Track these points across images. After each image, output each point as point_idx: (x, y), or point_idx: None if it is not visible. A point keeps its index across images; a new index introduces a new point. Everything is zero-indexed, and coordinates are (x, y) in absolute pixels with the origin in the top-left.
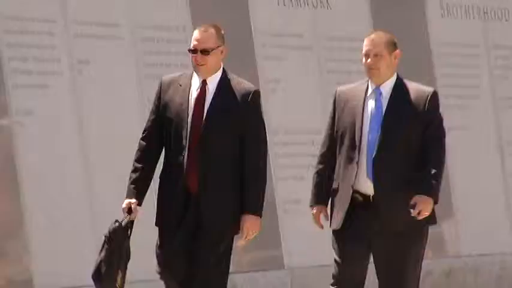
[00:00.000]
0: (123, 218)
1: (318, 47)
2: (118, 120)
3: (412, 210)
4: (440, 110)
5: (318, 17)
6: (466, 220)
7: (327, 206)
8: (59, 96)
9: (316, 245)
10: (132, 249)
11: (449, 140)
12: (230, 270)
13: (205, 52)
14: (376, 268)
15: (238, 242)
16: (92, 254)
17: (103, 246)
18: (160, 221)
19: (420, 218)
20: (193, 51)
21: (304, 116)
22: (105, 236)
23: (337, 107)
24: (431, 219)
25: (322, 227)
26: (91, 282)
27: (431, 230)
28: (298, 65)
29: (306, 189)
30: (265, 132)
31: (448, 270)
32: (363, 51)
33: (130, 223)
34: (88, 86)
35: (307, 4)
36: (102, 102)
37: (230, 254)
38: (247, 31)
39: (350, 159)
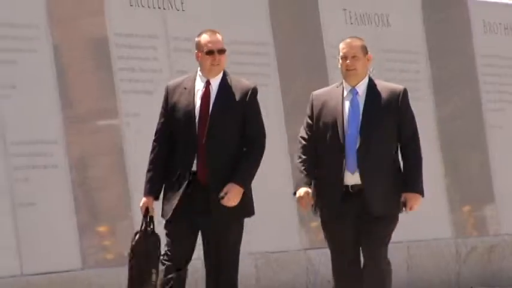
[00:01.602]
0: (141, 222)
1: (379, 58)
2: None
3: (404, 208)
4: (477, 111)
5: (379, 33)
6: (505, 203)
7: (310, 187)
8: (159, 101)
9: None
10: None
11: (491, 136)
12: (307, 246)
13: (221, 52)
14: (361, 244)
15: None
16: None
17: (130, 261)
18: (167, 211)
19: (411, 211)
20: (211, 52)
21: None
22: (129, 254)
23: (315, 109)
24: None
25: (306, 208)
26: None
27: (477, 212)
28: None
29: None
30: (263, 125)
31: (490, 247)
32: (341, 54)
33: (151, 218)
34: None
35: (371, 22)
36: None
37: (241, 236)
38: (319, 44)
39: (335, 155)
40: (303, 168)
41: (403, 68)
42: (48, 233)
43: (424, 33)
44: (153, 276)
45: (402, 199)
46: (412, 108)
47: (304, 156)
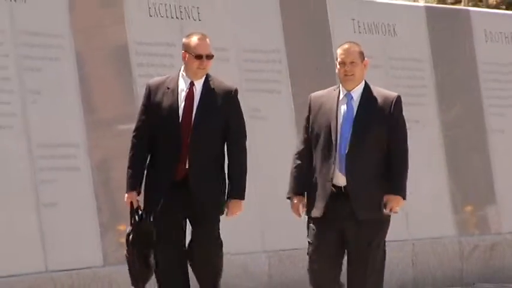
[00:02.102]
0: (130, 217)
1: (386, 66)
2: None
3: (384, 209)
4: (479, 116)
5: (386, 42)
6: (506, 204)
7: (304, 197)
8: None
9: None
10: None
11: (492, 140)
12: None
13: (209, 57)
14: (347, 249)
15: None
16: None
17: (128, 255)
18: (150, 207)
19: (392, 213)
20: (199, 56)
21: None
22: (126, 250)
23: (312, 110)
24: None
25: (300, 215)
26: None
27: (480, 212)
28: (371, 80)
29: None
30: (245, 126)
31: (491, 245)
32: (339, 60)
33: (137, 210)
34: None
35: (378, 32)
36: None
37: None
38: (329, 52)
39: (327, 156)
40: (296, 174)
41: (408, 75)
42: (71, 231)
43: (429, 42)
44: (152, 260)
45: (384, 200)
46: (417, 113)
47: (298, 162)
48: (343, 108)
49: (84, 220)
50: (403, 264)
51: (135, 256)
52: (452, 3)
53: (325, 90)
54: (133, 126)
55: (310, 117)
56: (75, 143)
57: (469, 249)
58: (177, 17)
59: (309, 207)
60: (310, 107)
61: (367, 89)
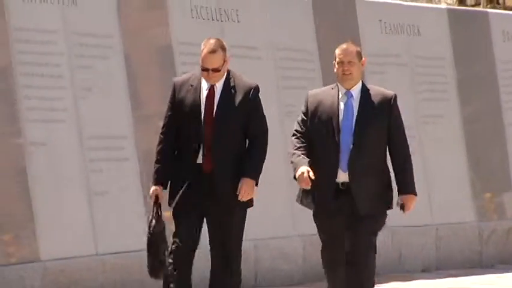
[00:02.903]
0: (153, 208)
1: (411, 64)
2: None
3: (401, 210)
4: (497, 111)
5: (411, 42)
6: None
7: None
8: None
9: None
10: None
11: (509, 133)
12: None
13: (216, 70)
14: (346, 243)
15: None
16: None
17: (149, 241)
18: (174, 200)
19: (408, 211)
20: (206, 70)
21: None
22: (148, 235)
23: (310, 106)
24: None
25: (309, 185)
26: None
27: (497, 199)
28: (397, 77)
29: None
30: (266, 121)
31: (508, 229)
32: (337, 60)
33: (159, 205)
34: None
35: (403, 32)
36: None
37: (245, 222)
38: None
39: (329, 152)
40: (299, 153)
41: (431, 72)
42: (119, 218)
43: (451, 42)
44: (166, 254)
45: (399, 201)
46: (439, 108)
47: (298, 145)
48: (343, 106)
49: (131, 207)
50: (427, 247)
51: (151, 249)
52: (472, 6)
53: (323, 88)
54: None
55: (309, 113)
56: (123, 135)
57: (488, 234)
58: (217, 19)
59: (312, 202)
60: (307, 104)
61: (365, 88)
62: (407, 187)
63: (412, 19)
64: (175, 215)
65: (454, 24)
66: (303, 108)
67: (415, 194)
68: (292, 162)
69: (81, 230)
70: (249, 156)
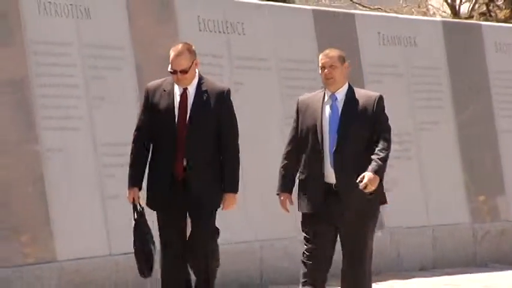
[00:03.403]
0: (133, 211)
1: (408, 74)
2: (262, 132)
3: (359, 182)
4: (490, 118)
5: (408, 52)
6: None
7: (291, 194)
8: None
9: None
10: None
11: (501, 139)
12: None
13: (183, 72)
14: (341, 241)
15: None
16: None
17: (134, 245)
18: (153, 203)
19: (367, 191)
20: (174, 72)
21: None
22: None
23: (300, 112)
24: (383, 200)
25: (288, 211)
26: None
27: (491, 201)
28: (393, 85)
29: (396, 173)
30: (237, 124)
31: (501, 230)
32: (320, 65)
33: (137, 209)
34: (243, 105)
35: (401, 43)
36: (255, 116)
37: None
38: (357, 62)
39: (315, 155)
40: (283, 173)
41: (427, 81)
42: (131, 220)
43: (445, 52)
44: (153, 251)
45: (360, 177)
46: (435, 115)
47: (286, 161)
48: (327, 109)
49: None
50: (424, 247)
51: (137, 248)
52: (465, 18)
53: (312, 93)
54: None
55: (299, 118)
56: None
57: (482, 234)
58: (224, 32)
59: (301, 204)
60: (297, 110)
61: (350, 90)
62: (375, 169)
63: (409, 31)
64: (159, 222)
65: (448, 35)
66: (295, 115)
67: (380, 177)
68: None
69: (95, 231)
70: (225, 170)
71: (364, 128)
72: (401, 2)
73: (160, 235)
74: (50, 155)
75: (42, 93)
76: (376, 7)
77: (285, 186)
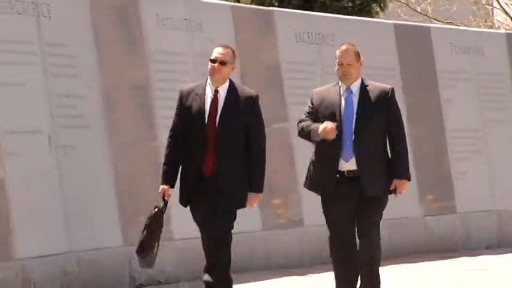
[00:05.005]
0: (160, 203)
1: (477, 79)
2: None
3: (394, 193)
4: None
5: (476, 60)
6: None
7: None
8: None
9: None
10: None
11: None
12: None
13: (223, 63)
14: (356, 220)
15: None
16: None
17: (145, 229)
18: (183, 200)
19: (400, 195)
20: (214, 61)
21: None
22: (146, 220)
23: (315, 102)
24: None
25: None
26: None
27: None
28: (463, 89)
29: (466, 164)
30: (264, 127)
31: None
32: (337, 61)
33: (165, 204)
34: None
35: (470, 53)
36: None
37: (235, 219)
38: (433, 69)
39: (332, 143)
40: (310, 122)
41: (493, 85)
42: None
43: (508, 60)
44: (155, 250)
45: (392, 186)
46: (500, 115)
47: (307, 119)
48: (344, 101)
49: None
50: (490, 229)
51: (147, 232)
52: None
53: (325, 86)
54: (284, 125)
55: (314, 107)
56: None
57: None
58: (317, 43)
59: (316, 186)
60: (312, 100)
61: (364, 84)
62: (401, 172)
63: (477, 42)
64: (193, 215)
65: (511, 45)
66: (309, 103)
67: (408, 179)
68: (303, 130)
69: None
70: (252, 170)
71: (379, 118)
72: (470, 17)
73: (199, 230)
74: None
75: (161, 96)
76: (448, 21)
77: (316, 124)
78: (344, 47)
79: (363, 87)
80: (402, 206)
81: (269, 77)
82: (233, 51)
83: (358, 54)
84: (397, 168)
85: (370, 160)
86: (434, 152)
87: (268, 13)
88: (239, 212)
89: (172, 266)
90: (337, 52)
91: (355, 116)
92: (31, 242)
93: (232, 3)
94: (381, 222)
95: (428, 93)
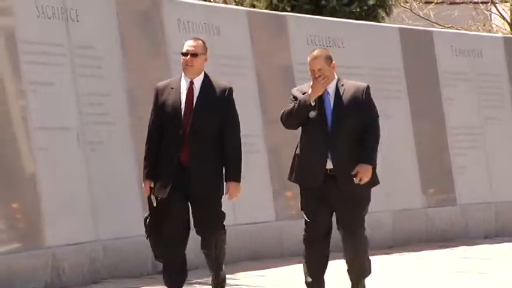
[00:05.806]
0: (151, 199)
1: (476, 80)
2: None
3: (355, 178)
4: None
5: (475, 62)
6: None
7: None
8: None
9: None
10: None
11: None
12: (424, 205)
13: (194, 55)
14: (337, 218)
15: (228, 200)
16: None
17: (147, 238)
18: (158, 191)
19: (362, 183)
20: (185, 54)
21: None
22: (145, 232)
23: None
24: (376, 182)
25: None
26: None
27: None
28: (463, 89)
29: (466, 159)
30: (238, 118)
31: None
32: (309, 67)
33: (156, 198)
34: None
35: (469, 55)
36: None
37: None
38: (435, 70)
39: (314, 141)
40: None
41: (491, 85)
42: (251, 196)
43: (506, 62)
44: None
45: (354, 171)
46: (496, 113)
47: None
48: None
49: (260, 188)
50: (488, 220)
51: (153, 235)
52: None
53: (306, 84)
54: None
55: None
56: (255, 133)
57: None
58: (329, 46)
59: (301, 179)
60: (293, 97)
61: (340, 83)
62: (365, 158)
63: (476, 45)
64: (166, 206)
65: (508, 49)
66: (292, 98)
67: (372, 166)
68: (287, 112)
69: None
70: (227, 161)
71: (355, 116)
72: (470, 21)
73: (154, 220)
74: None
75: None
76: (449, 25)
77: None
78: (314, 54)
79: (339, 87)
80: (405, 198)
81: (282, 76)
82: (204, 43)
83: (329, 58)
84: (363, 154)
85: (345, 158)
86: (436, 148)
87: (281, 18)
88: (254, 203)
89: (192, 255)
90: (308, 58)
91: (331, 116)
92: (60, 231)
93: (248, 9)
94: (386, 214)
95: (431, 92)
